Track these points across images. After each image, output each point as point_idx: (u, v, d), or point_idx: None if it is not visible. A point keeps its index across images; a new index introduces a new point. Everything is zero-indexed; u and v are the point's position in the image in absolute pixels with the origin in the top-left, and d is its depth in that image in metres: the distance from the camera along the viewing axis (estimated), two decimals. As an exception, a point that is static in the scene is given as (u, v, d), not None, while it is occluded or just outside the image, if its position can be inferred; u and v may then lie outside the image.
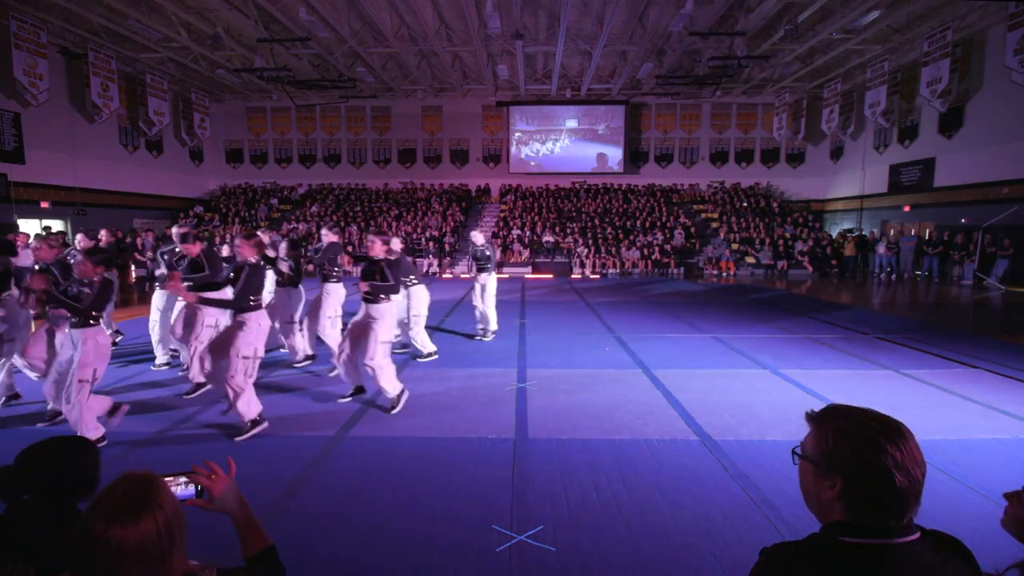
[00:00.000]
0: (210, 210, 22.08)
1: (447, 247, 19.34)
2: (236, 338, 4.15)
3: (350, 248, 6.48)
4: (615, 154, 23.55)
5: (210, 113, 22.73)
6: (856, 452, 0.99)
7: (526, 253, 19.10)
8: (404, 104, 23.61)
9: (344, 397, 4.96)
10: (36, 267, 4.88)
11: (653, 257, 18.35)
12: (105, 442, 3.90)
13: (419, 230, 20.03)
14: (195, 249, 5.33)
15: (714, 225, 20.86)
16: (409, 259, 7.45)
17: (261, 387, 5.38)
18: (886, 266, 16.70)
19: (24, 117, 14.68)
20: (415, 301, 6.45)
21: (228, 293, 6.10)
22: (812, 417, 1.11)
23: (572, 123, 23.64)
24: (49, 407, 4.36)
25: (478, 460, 3.68)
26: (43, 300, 4.09)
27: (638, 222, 20.43)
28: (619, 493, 3.21)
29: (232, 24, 15.15)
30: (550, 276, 17.90)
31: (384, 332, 4.66)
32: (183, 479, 1.28)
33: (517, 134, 23.73)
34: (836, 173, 21.96)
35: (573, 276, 17.96)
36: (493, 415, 4.56)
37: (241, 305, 4.25)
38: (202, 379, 4.92)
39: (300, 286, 6.27)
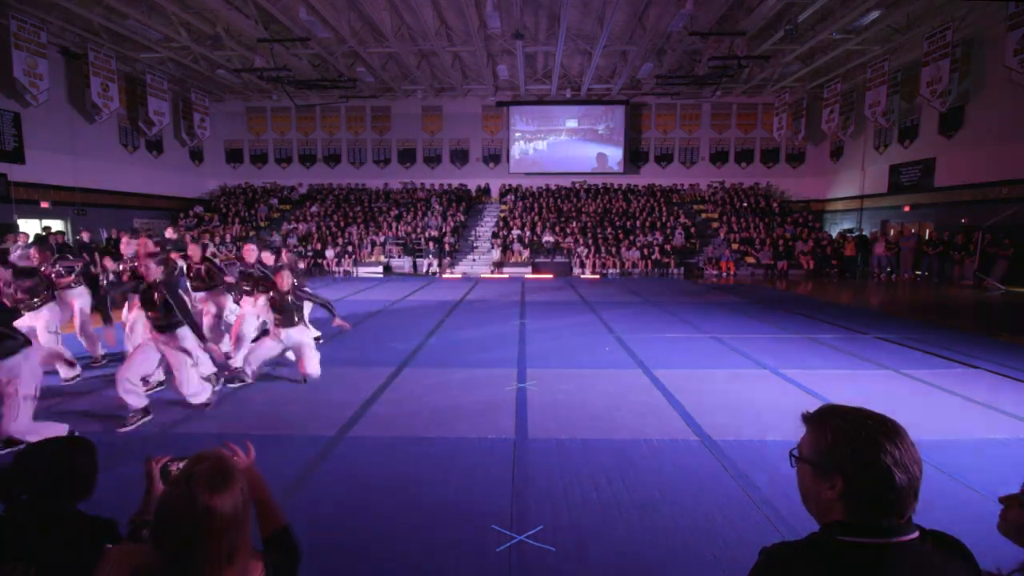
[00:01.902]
0: (210, 210, 22.08)
1: (447, 247, 19.34)
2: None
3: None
4: (615, 154, 23.54)
5: (210, 113, 22.73)
6: (856, 451, 0.99)
7: (526, 253, 19.10)
8: (404, 104, 23.61)
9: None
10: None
11: (653, 257, 18.34)
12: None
13: (419, 230, 20.03)
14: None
15: (714, 225, 20.86)
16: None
17: (262, 387, 5.40)
18: (885, 266, 16.70)
19: (24, 117, 14.67)
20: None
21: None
22: (808, 418, 1.10)
23: (572, 123, 23.64)
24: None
25: (478, 460, 3.67)
26: None
27: (638, 222, 20.43)
28: (619, 493, 3.21)
29: (232, 24, 15.15)
30: (550, 276, 17.90)
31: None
32: None
33: (517, 134, 23.73)
34: (836, 173, 21.95)
35: (573, 276, 17.97)
36: (493, 415, 4.55)
37: None
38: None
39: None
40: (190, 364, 4.54)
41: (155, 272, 4.46)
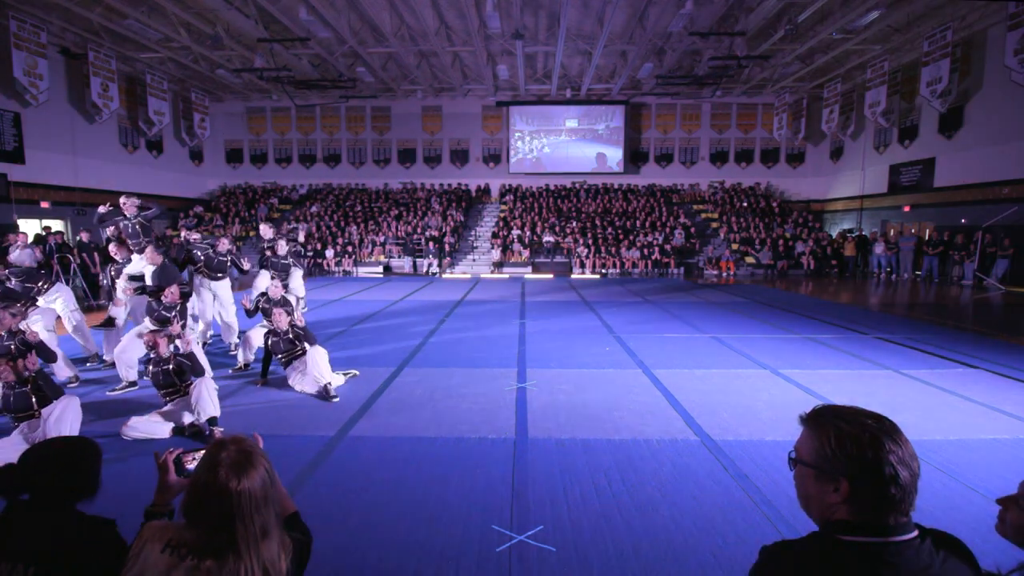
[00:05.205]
0: (210, 210, 22.07)
1: (447, 247, 19.34)
2: None
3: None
4: (615, 154, 23.54)
5: (210, 113, 22.72)
6: (862, 452, 0.99)
7: (526, 253, 19.10)
8: (404, 104, 23.60)
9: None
10: None
11: (653, 257, 18.35)
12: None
13: (419, 230, 20.02)
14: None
15: (714, 225, 20.86)
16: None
17: (261, 387, 5.40)
18: (885, 266, 16.71)
19: (24, 117, 14.67)
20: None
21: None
22: (807, 420, 1.10)
23: (572, 123, 23.64)
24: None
25: (478, 460, 3.67)
26: None
27: (638, 222, 20.43)
28: (619, 493, 3.21)
29: (232, 24, 15.14)
30: (550, 276, 17.90)
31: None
32: None
33: (517, 134, 23.73)
34: (836, 173, 21.95)
35: (573, 276, 17.97)
36: (493, 415, 4.55)
37: None
38: None
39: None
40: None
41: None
